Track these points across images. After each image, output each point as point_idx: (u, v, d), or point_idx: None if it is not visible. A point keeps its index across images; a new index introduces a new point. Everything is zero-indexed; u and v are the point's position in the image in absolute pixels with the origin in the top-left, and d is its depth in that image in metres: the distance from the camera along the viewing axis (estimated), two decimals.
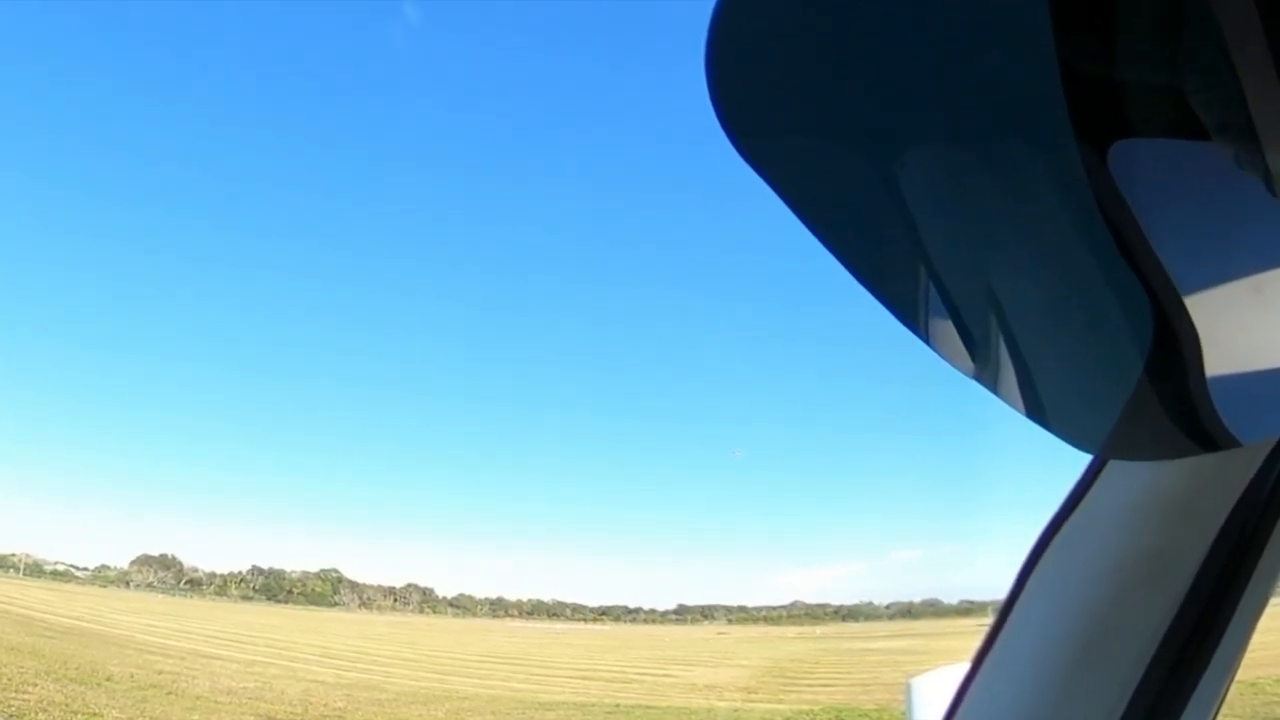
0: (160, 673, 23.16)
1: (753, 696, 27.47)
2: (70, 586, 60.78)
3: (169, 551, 76.33)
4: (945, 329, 0.65)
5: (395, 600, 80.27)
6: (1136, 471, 0.98)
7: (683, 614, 79.79)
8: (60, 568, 68.80)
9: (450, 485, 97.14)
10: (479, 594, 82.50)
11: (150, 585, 71.59)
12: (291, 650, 32.65)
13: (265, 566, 77.13)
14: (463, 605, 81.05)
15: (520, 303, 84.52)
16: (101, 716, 17.06)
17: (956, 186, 0.55)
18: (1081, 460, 1.03)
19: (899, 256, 0.61)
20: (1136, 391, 0.56)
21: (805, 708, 23.69)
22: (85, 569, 71.38)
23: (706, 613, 79.14)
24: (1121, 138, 0.52)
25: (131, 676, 21.90)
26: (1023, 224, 0.55)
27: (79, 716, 16.58)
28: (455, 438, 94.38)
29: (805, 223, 0.56)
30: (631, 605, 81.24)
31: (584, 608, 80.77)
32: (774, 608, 79.00)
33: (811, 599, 78.86)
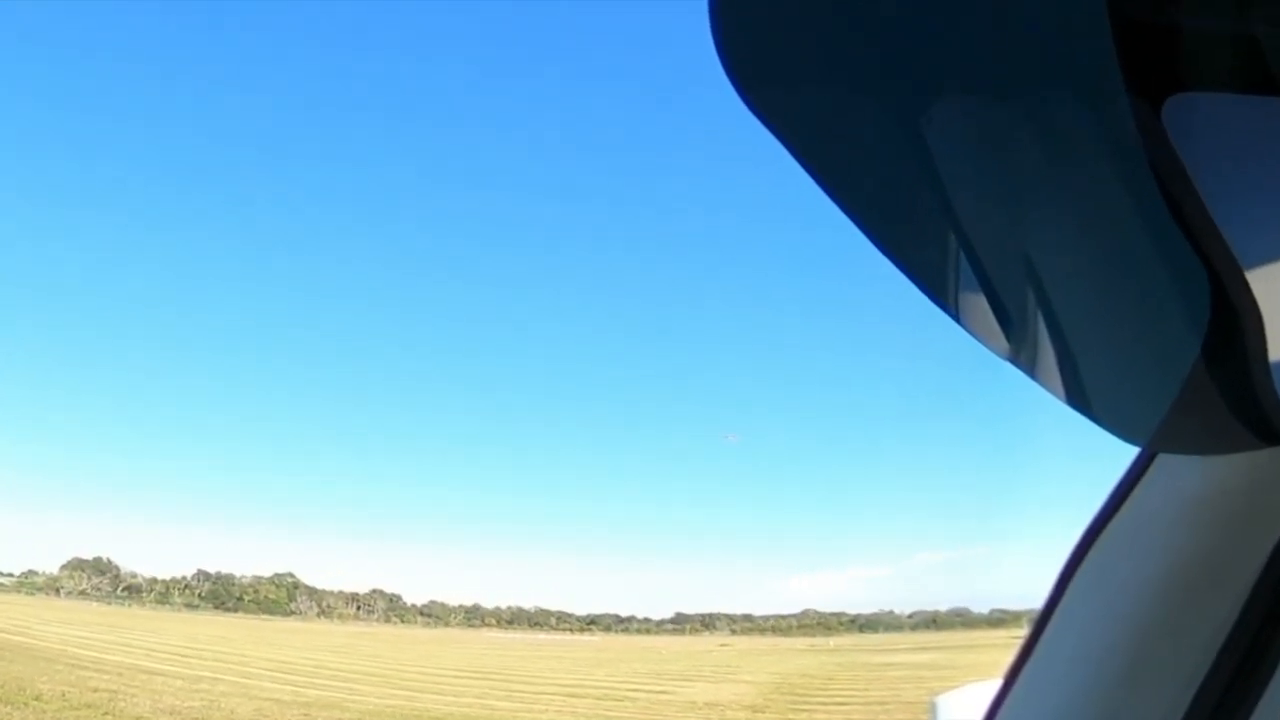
0: (95, 690, 23.22)
1: (759, 716, 27.71)
2: None
3: (104, 554, 76.26)
4: (976, 304, 0.63)
5: (359, 608, 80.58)
6: (1188, 467, 0.97)
7: (681, 623, 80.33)
8: None
9: (420, 481, 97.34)
10: (452, 601, 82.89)
11: (83, 592, 71.62)
12: (242, 664, 32.76)
13: (213, 571, 77.31)
14: (434, 613, 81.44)
15: (493, 280, 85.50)
16: None
17: (991, 144, 0.53)
18: (1127, 454, 1.03)
19: (925, 221, 0.59)
20: (1190, 377, 0.55)
21: None
22: (9, 574, 71.48)
23: (707, 622, 79.70)
24: (1178, 92, 0.50)
25: (63, 695, 21.95)
26: (1066, 187, 0.53)
27: None
28: (424, 428, 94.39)
29: (820, 184, 0.54)
30: (624, 613, 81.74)
31: (570, 616, 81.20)
32: (783, 617, 79.57)
33: (825, 607, 79.35)
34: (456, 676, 35.61)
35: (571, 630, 77.74)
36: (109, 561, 74.16)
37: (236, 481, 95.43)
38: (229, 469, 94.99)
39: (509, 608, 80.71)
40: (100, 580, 72.63)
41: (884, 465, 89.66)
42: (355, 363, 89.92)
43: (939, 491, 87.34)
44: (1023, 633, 1.13)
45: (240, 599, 75.01)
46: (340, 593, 79.37)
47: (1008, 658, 1.13)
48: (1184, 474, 0.98)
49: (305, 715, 23.81)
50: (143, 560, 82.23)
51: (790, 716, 27.49)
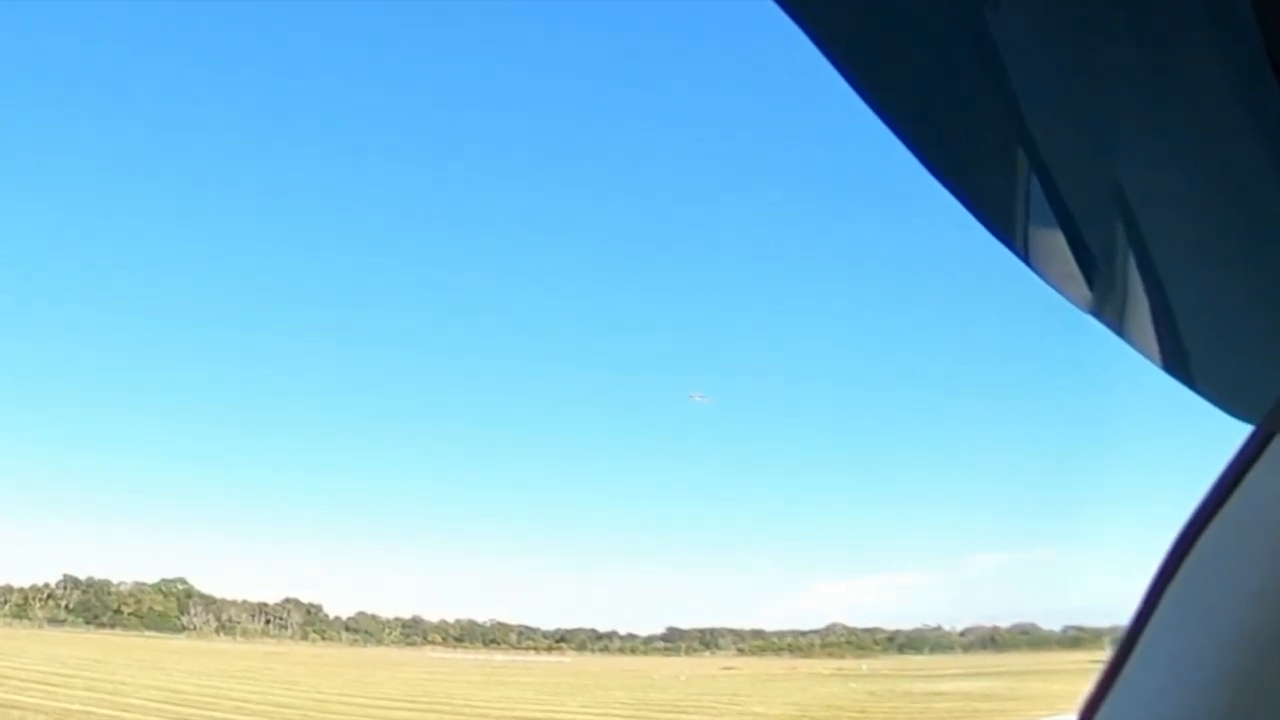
0: None
1: None
2: None
3: None
4: (1051, 244, 0.60)
5: (268, 621, 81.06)
6: None
7: (674, 640, 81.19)
8: None
9: (347, 465, 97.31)
10: (386, 612, 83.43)
11: None
12: (121, 694, 32.90)
13: (83, 577, 77.42)
14: (363, 628, 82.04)
15: (447, 240, 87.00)
16: None
17: (1072, 40, 0.51)
18: (1237, 433, 1.04)
19: (989, 139, 0.57)
20: None
21: None
22: None
23: (708, 639, 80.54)
24: None
25: None
26: (1166, 97, 0.51)
27: None
28: (352, 399, 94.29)
29: (863, 95, 0.46)
30: (602, 628, 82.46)
31: (535, 631, 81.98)
32: (803, 633, 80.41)
33: (855, 621, 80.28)
34: (391, 709, 35.94)
35: (537, 649, 78.51)
36: None
37: (113, 466, 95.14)
38: (104, 450, 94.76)
39: (458, 621, 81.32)
40: None
41: (928, 446, 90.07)
42: (272, 332, 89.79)
43: (998, 479, 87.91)
44: (1104, 656, 1.15)
45: (118, 611, 75.28)
46: (244, 603, 79.72)
47: (1085, 687, 1.15)
48: None
49: None
50: None
51: None
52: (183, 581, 78.07)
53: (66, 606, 74.89)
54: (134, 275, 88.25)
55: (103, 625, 72.52)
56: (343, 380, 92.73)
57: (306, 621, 80.00)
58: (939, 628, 75.76)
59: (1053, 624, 64.80)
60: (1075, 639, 55.68)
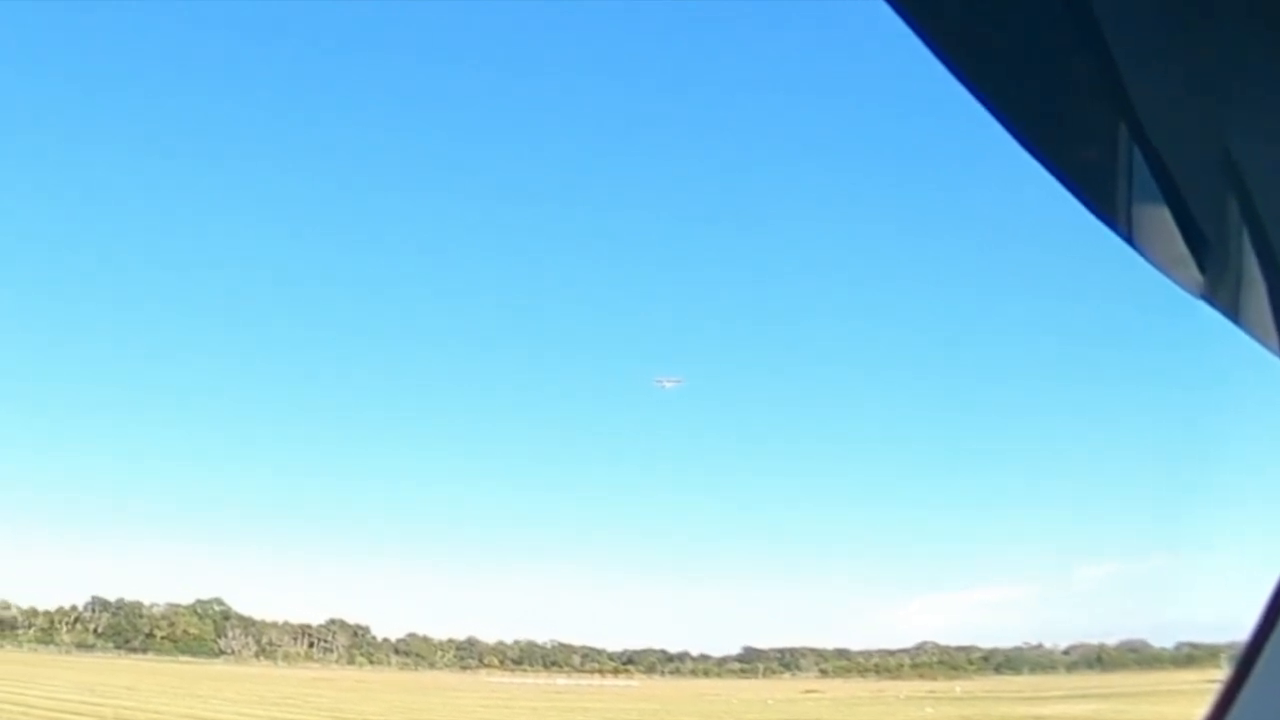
0: None
1: None
2: None
3: None
4: (1158, 223, 0.60)
5: (311, 644, 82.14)
6: None
7: (751, 662, 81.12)
8: None
9: (397, 479, 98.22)
10: (439, 634, 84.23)
11: None
12: None
13: (113, 598, 78.79)
14: (414, 651, 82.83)
15: (501, 244, 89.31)
16: None
17: (1176, 2, 0.51)
18: None
19: (1087, 109, 0.55)
20: None
21: None
22: None
23: (788, 660, 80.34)
24: None
25: None
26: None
27: None
28: (402, 412, 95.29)
29: (949, 63, 0.51)
30: (673, 649, 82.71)
31: (600, 654, 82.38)
32: (891, 653, 79.99)
33: (948, 639, 79.79)
34: None
35: (602, 672, 78.65)
36: None
37: (146, 484, 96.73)
38: (134, 464, 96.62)
39: (516, 643, 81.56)
40: None
41: (1028, 450, 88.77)
42: (307, 344, 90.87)
43: (1104, 482, 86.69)
44: (1220, 675, 1.13)
45: (150, 635, 76.33)
46: (286, 624, 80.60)
47: (1201, 710, 1.14)
48: None
49: None
50: (18, 587, 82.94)
51: None
52: (219, 602, 78.88)
53: (95, 630, 75.99)
54: (171, 299, 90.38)
55: (134, 650, 73.56)
56: (395, 393, 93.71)
57: (353, 644, 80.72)
58: (1040, 645, 74.99)
59: (1164, 640, 63.89)
60: (1189, 657, 54.70)
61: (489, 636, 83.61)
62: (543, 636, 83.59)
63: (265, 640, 79.88)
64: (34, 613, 76.22)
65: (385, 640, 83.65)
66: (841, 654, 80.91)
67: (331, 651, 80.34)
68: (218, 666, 68.55)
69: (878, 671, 76.77)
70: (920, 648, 79.02)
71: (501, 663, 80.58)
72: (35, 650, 67.98)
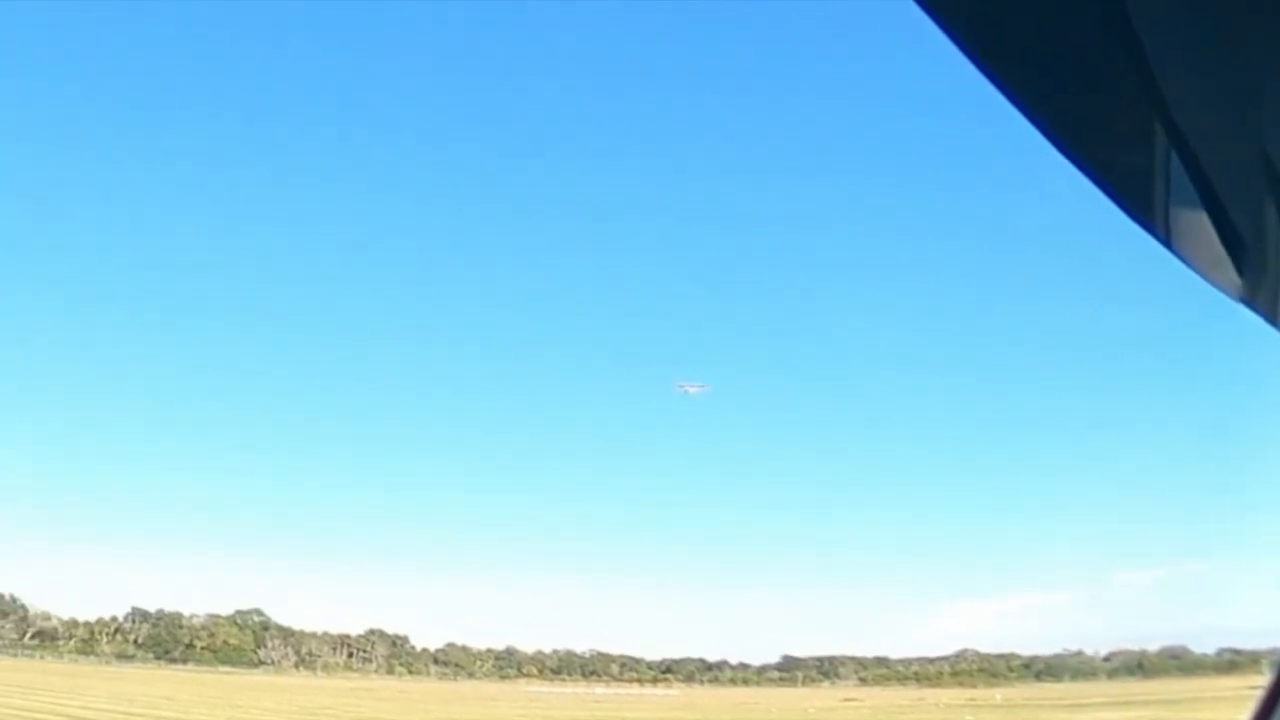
0: None
1: None
2: None
3: (7, 592, 78.46)
4: (1196, 226, 0.60)
5: (351, 655, 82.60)
6: None
7: (790, 670, 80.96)
8: None
9: (435, 489, 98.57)
10: (478, 644, 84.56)
11: None
12: None
13: (152, 609, 79.44)
14: (453, 660, 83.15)
15: (526, 261, 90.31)
16: None
17: (1212, 3, 0.50)
18: None
19: (1124, 112, 0.55)
20: None
21: None
22: None
23: (827, 668, 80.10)
24: None
25: None
26: None
27: None
28: (440, 422, 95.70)
29: (981, 66, 0.51)
30: (712, 658, 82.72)
31: (639, 663, 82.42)
32: (930, 660, 79.55)
33: (987, 646, 79.21)
34: None
35: (641, 681, 78.68)
36: (13, 600, 76.25)
37: (186, 496, 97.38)
38: (172, 474, 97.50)
39: (555, 652, 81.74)
40: (2, 624, 74.62)
41: (1066, 452, 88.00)
42: (340, 351, 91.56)
43: (1144, 486, 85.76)
44: (1262, 681, 1.13)
45: (190, 645, 76.91)
46: (325, 635, 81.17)
47: (1244, 716, 1.14)
48: None
49: None
50: (59, 598, 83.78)
51: None
52: (259, 613, 79.46)
53: (135, 641, 76.67)
54: (215, 314, 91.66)
55: (174, 660, 74.14)
56: (435, 405, 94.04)
57: (392, 654, 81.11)
58: (1080, 652, 74.29)
59: (1206, 646, 63.25)
60: (1231, 663, 54.09)
61: (528, 646, 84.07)
62: (581, 645, 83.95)
63: (305, 650, 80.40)
64: (74, 624, 77.11)
65: (424, 650, 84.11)
66: (881, 661, 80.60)
67: (371, 661, 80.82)
68: (257, 677, 69.03)
69: (917, 679, 76.41)
70: (960, 655, 78.54)
71: (540, 672, 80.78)
72: (76, 661, 68.74)
